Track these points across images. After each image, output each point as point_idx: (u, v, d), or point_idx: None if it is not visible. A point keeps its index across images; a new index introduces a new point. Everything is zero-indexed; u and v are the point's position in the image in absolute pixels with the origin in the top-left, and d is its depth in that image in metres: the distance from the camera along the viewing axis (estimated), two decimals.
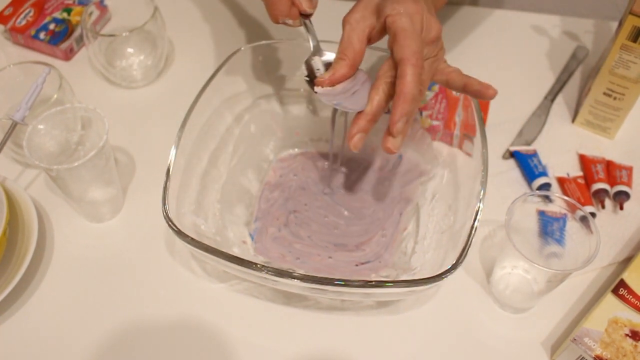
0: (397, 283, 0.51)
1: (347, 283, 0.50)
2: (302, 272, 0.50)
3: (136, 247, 0.63)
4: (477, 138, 0.58)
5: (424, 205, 0.63)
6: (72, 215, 0.65)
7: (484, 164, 0.55)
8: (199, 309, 0.59)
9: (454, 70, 0.54)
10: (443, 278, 0.49)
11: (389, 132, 0.49)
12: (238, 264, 0.50)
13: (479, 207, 0.53)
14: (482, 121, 0.58)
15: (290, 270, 0.50)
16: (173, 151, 0.56)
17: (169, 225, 0.52)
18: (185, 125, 0.58)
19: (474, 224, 0.52)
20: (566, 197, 0.56)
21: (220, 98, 0.64)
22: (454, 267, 0.50)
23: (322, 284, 0.50)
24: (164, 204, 0.53)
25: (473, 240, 0.51)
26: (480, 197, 0.53)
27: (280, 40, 0.66)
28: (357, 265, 0.61)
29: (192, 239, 0.51)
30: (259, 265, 0.50)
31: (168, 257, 0.62)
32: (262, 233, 0.63)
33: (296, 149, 0.70)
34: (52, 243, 0.63)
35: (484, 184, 0.54)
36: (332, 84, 0.53)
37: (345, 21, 0.53)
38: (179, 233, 0.52)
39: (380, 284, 0.50)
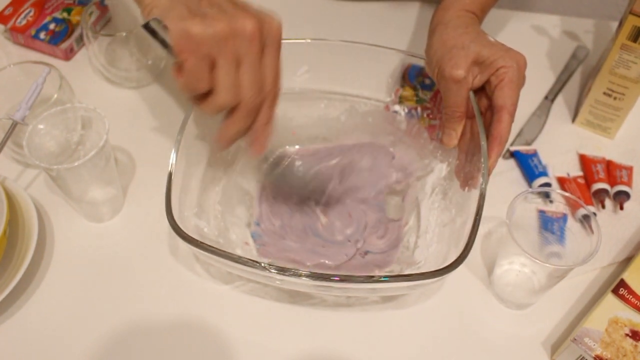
0: (403, 277, 0.51)
1: (352, 279, 0.50)
2: (307, 269, 0.51)
3: (136, 247, 0.63)
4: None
5: (424, 199, 0.64)
6: (72, 215, 0.65)
7: (484, 158, 0.55)
8: (201, 310, 0.59)
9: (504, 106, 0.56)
10: (450, 271, 0.49)
11: (489, 172, 0.55)
12: (251, 267, 0.50)
13: (483, 189, 0.53)
14: (482, 120, 0.58)
15: (296, 268, 0.50)
16: (173, 155, 0.56)
17: (176, 231, 0.51)
18: (184, 128, 0.57)
19: (478, 211, 0.52)
20: (566, 193, 0.56)
21: None
22: (460, 259, 0.50)
23: (327, 280, 0.50)
24: (168, 210, 0.52)
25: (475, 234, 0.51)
26: (483, 189, 0.53)
27: None
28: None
29: (201, 243, 0.51)
30: (265, 265, 0.50)
31: (169, 257, 0.62)
32: (264, 234, 0.63)
33: (296, 146, 0.70)
34: (52, 243, 0.63)
35: (485, 175, 0.54)
36: (458, 139, 0.60)
37: (451, 78, 0.57)
38: (187, 239, 0.51)
39: (387, 278, 0.50)
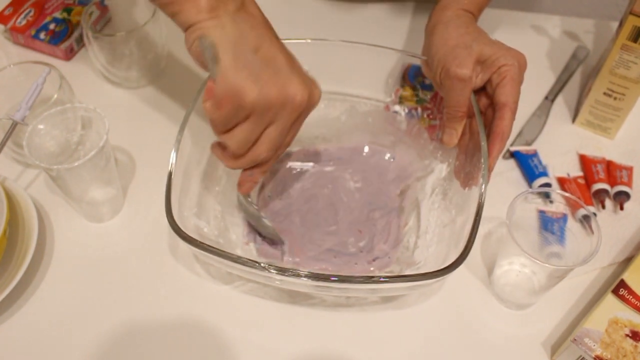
0: (402, 278, 0.51)
1: (352, 279, 0.50)
2: (307, 270, 0.50)
3: (136, 247, 0.63)
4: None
5: (424, 200, 0.64)
6: (72, 215, 0.65)
7: (484, 158, 0.55)
8: (201, 310, 0.59)
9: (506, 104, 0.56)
10: (450, 271, 0.49)
11: (490, 169, 0.55)
12: (250, 267, 0.50)
13: (483, 192, 0.53)
14: (482, 120, 0.58)
15: (295, 269, 0.50)
16: (173, 155, 0.56)
17: (176, 231, 0.51)
18: (184, 128, 0.57)
19: (478, 211, 0.52)
20: (567, 193, 0.56)
21: None
22: (460, 259, 0.49)
23: (326, 280, 0.50)
24: (168, 210, 0.52)
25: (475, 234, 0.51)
26: (482, 190, 0.53)
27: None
28: (369, 262, 0.61)
29: (201, 243, 0.51)
30: (265, 265, 0.50)
31: (169, 257, 0.62)
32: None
33: (296, 147, 0.70)
34: (52, 243, 0.63)
35: (485, 175, 0.54)
36: (459, 138, 0.60)
37: (457, 77, 0.56)
38: (187, 239, 0.51)
39: (387, 279, 0.50)
